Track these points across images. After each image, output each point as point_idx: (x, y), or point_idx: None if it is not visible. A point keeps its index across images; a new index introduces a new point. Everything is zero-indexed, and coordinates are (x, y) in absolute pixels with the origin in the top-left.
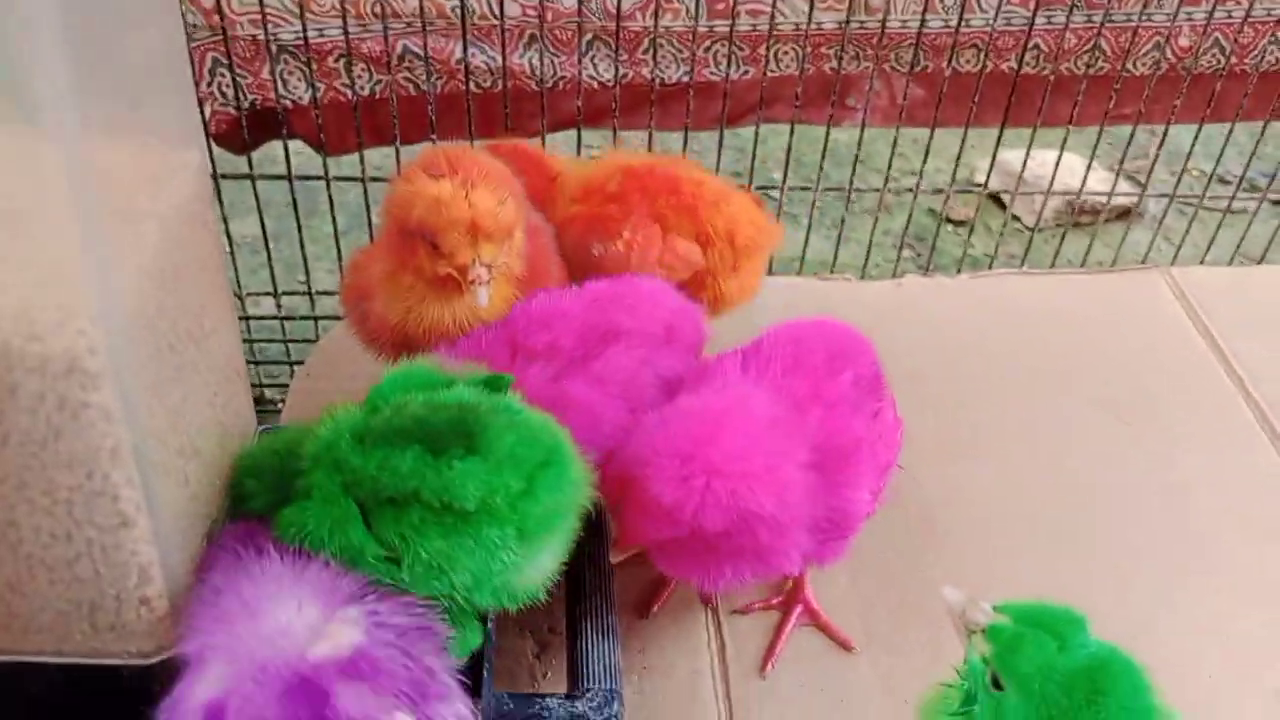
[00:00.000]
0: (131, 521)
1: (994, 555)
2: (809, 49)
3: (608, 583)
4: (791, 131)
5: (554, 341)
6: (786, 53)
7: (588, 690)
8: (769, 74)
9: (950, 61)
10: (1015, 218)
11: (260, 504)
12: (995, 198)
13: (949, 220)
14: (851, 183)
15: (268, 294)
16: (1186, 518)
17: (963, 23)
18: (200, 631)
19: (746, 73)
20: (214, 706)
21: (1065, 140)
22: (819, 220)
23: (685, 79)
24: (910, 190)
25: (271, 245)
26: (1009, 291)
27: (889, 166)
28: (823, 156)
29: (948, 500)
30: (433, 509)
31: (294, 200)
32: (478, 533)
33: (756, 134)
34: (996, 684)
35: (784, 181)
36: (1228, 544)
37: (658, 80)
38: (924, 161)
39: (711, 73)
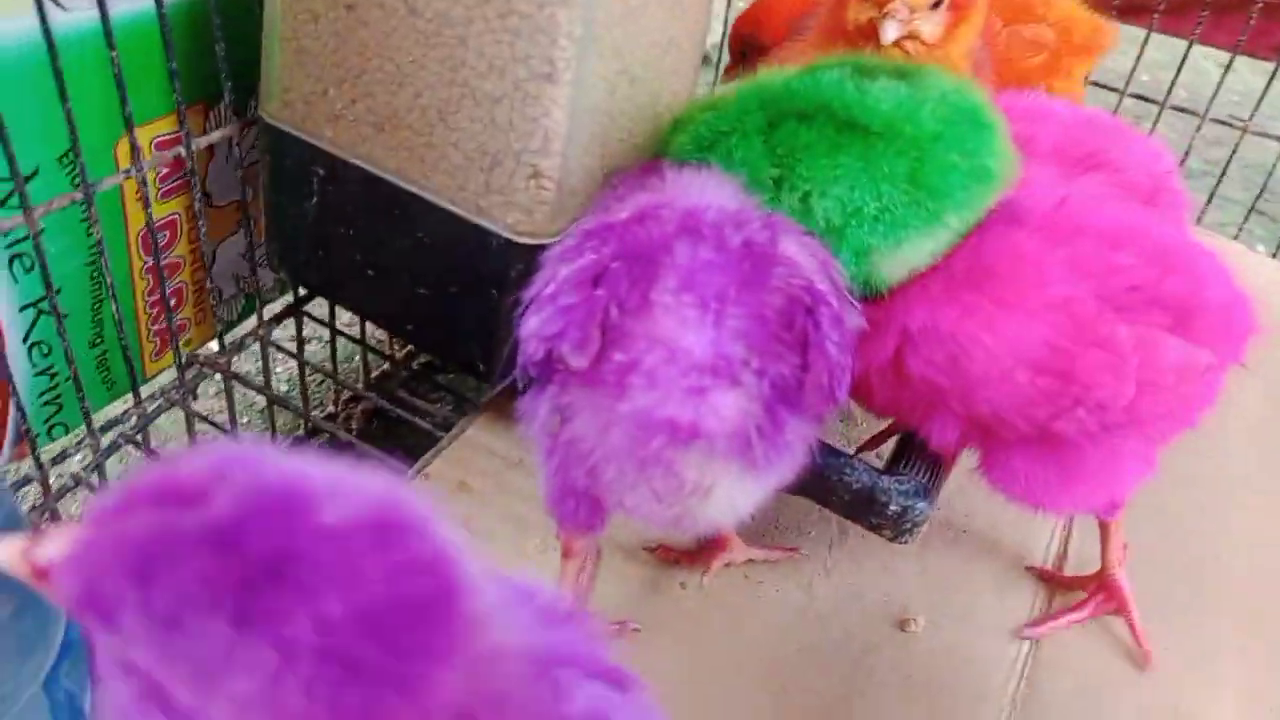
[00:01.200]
0: (557, 77)
1: None
2: None
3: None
4: None
5: (1030, 136)
6: None
7: (902, 473)
8: None
9: None
10: None
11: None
12: None
13: None
14: None
15: None
16: None
17: None
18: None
19: None
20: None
21: None
22: None
23: None
24: None
25: None
26: None
27: None
28: None
29: None
30: (834, 125)
31: None
32: (869, 153)
33: None
34: None
35: None
36: None
37: None
38: None
39: None
